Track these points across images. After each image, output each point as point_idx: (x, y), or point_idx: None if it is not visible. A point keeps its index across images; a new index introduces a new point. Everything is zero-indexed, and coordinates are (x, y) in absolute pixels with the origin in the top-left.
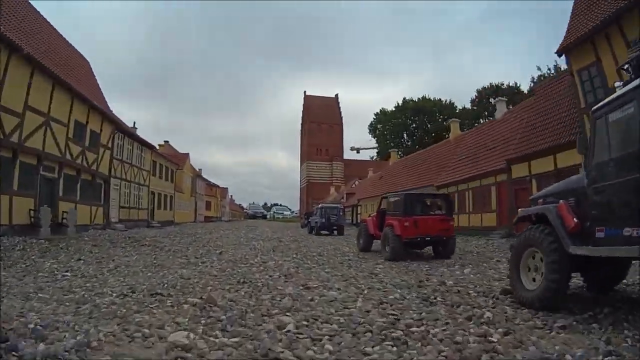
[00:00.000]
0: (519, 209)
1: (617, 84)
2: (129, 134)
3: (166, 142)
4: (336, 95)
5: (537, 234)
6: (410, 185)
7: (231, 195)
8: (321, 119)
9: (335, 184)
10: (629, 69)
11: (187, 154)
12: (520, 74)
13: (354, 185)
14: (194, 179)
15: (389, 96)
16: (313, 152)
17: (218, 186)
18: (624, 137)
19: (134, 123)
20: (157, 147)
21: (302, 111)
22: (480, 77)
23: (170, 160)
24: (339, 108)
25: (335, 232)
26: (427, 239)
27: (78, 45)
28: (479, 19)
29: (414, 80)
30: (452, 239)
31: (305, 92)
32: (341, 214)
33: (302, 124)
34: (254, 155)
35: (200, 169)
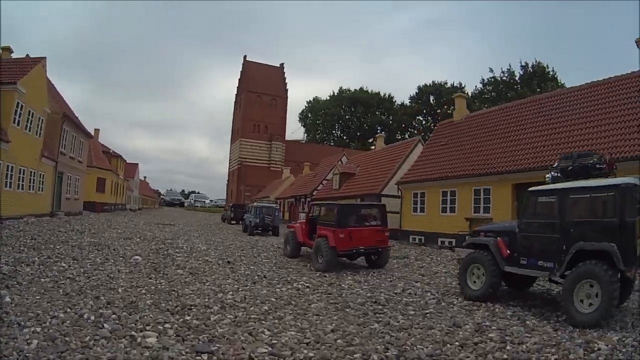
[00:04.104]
0: (467, 237)
1: (547, 177)
2: None
3: None
4: (281, 64)
5: (481, 256)
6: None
7: (144, 177)
8: (262, 90)
9: (273, 168)
10: (557, 171)
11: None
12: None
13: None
14: (57, 124)
15: (317, 90)
16: (249, 128)
17: (120, 156)
18: (544, 212)
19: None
20: None
21: (239, 79)
22: (417, 81)
23: None
24: (284, 80)
25: (270, 232)
26: (362, 250)
27: None
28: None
29: (347, 77)
30: (387, 250)
31: (245, 56)
32: (277, 214)
33: (237, 95)
34: (176, 143)
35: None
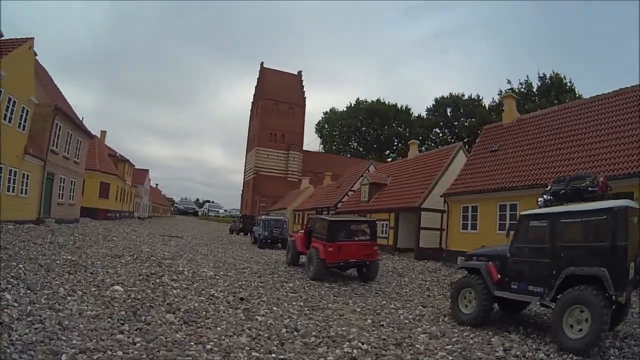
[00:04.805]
0: (459, 260)
1: (539, 200)
2: None
3: None
4: (299, 72)
5: (473, 281)
6: None
7: (157, 184)
8: (279, 97)
9: (290, 179)
10: (550, 195)
11: None
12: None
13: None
14: (48, 118)
15: (333, 101)
16: (265, 137)
17: (127, 160)
18: (536, 236)
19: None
20: None
21: (256, 87)
22: (433, 92)
23: None
24: (302, 88)
25: (280, 245)
26: (350, 262)
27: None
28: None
29: (363, 88)
30: (375, 263)
31: (262, 63)
32: (285, 226)
33: (253, 103)
34: (190, 151)
35: (79, 115)
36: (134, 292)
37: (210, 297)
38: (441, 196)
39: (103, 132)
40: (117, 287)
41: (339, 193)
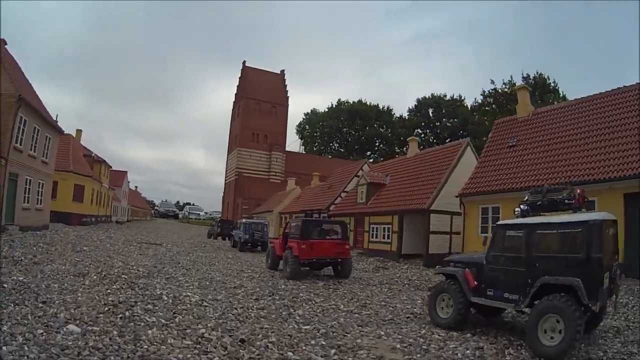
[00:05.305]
0: (437, 267)
1: (516, 210)
2: None
3: None
4: (282, 71)
5: (449, 287)
6: None
7: (136, 187)
8: (261, 97)
9: (273, 180)
10: (527, 206)
11: None
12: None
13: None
14: (10, 110)
15: (314, 102)
16: (247, 138)
17: (104, 161)
18: (512, 245)
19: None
20: None
21: (238, 86)
22: (415, 93)
23: None
24: (285, 87)
25: (259, 248)
26: (323, 260)
27: None
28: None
29: (344, 90)
30: (347, 261)
31: (244, 62)
32: (266, 230)
33: (235, 102)
34: (172, 153)
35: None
36: (94, 335)
37: (200, 339)
38: (456, 196)
39: (79, 131)
40: (72, 327)
41: (330, 194)
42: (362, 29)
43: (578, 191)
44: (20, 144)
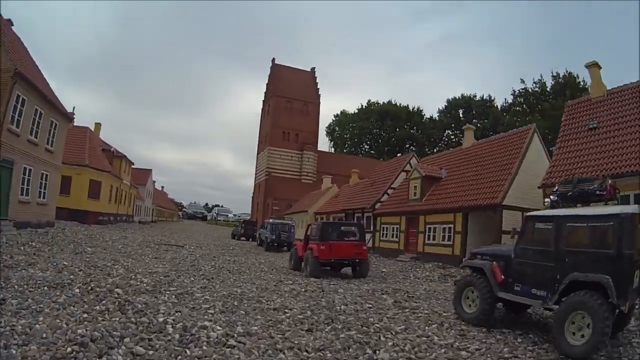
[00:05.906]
0: (464, 259)
1: (546, 201)
2: None
3: None
4: (312, 69)
5: (476, 280)
6: None
7: (162, 187)
8: (292, 95)
9: (305, 180)
10: (557, 196)
11: None
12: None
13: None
14: (5, 86)
15: (342, 104)
16: (278, 137)
17: (124, 156)
18: (541, 238)
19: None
20: None
21: (267, 84)
22: (443, 94)
23: None
24: (316, 85)
25: (285, 248)
26: (341, 260)
27: None
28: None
29: (372, 92)
30: (365, 261)
31: (273, 59)
32: (292, 230)
33: (264, 102)
34: (200, 155)
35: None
36: None
37: None
38: (539, 187)
39: (97, 125)
40: None
41: (374, 192)
42: (388, 29)
43: (609, 182)
44: (18, 126)
